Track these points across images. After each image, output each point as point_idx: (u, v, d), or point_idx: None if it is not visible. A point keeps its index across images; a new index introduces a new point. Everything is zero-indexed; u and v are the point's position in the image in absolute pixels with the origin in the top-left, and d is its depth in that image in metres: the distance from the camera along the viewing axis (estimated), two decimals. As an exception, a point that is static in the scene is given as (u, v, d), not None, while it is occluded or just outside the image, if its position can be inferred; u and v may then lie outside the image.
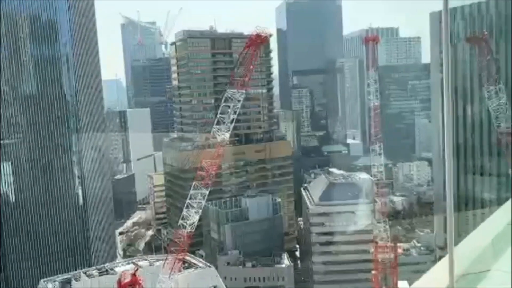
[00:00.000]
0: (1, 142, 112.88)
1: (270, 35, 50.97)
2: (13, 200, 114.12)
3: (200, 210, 46.97)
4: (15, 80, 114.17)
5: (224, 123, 45.16)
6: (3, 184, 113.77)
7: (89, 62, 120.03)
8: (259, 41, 46.43)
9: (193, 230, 46.97)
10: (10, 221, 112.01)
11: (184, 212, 46.27)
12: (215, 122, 44.92)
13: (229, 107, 44.72)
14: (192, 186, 46.16)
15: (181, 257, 50.62)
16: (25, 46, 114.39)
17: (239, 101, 45.17)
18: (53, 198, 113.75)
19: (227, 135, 45.36)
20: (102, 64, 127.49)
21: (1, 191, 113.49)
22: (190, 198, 46.20)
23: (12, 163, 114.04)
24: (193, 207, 45.77)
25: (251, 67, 45.50)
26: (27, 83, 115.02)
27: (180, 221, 47.36)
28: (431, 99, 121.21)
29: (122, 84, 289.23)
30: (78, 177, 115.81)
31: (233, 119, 45.67)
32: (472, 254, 6.62)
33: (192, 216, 46.18)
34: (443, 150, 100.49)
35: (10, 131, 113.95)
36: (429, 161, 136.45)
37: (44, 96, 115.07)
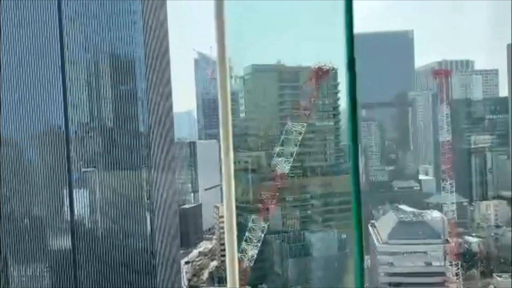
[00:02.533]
0: (82, 169, 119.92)
1: (333, 68, 50.54)
2: (88, 225, 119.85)
3: (259, 244, 46.36)
4: (95, 112, 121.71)
5: (284, 155, 44.77)
6: (80, 210, 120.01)
7: (162, 97, 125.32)
8: (321, 74, 46.13)
9: (251, 264, 46.31)
10: (82, 246, 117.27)
11: (243, 245, 45.89)
12: (275, 155, 44.63)
13: (289, 139, 44.35)
14: (251, 219, 45.83)
15: (239, 290, 49.96)
16: (106, 82, 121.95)
17: (299, 133, 44.73)
18: (124, 225, 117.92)
19: (287, 167, 44.82)
20: (175, 97, 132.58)
21: (78, 217, 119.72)
22: (249, 231, 45.83)
23: (88, 191, 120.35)
24: (252, 240, 45.29)
25: (313, 100, 45.10)
26: (107, 115, 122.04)
27: (239, 254, 46.95)
28: (510, 134, 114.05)
29: (194, 116, 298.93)
30: (148, 205, 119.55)
31: (293, 152, 45.16)
32: None
33: (251, 250, 45.65)
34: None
35: (89, 160, 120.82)
36: (508, 200, 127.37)
37: (120, 128, 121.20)
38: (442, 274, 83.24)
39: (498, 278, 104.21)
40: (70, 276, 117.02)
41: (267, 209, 44.78)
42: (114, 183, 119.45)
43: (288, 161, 45.55)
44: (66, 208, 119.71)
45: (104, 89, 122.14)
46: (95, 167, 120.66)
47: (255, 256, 45.80)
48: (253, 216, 45.94)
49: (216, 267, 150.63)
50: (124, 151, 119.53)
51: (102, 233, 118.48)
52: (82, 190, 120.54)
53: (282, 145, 46.04)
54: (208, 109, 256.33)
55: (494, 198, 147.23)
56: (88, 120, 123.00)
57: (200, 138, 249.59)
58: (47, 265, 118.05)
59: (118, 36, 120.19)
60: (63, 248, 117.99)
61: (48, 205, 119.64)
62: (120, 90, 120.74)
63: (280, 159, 45.38)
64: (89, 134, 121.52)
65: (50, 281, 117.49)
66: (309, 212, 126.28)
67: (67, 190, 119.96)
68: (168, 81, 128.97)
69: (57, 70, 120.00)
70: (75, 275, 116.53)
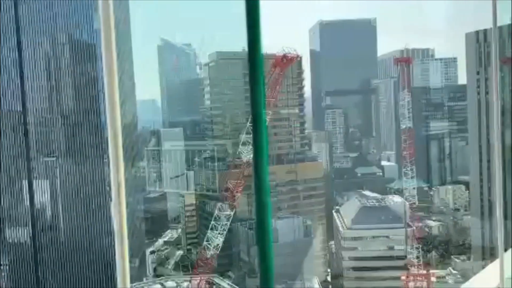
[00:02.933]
0: (42, 159, 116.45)
1: (297, 56, 50.55)
2: (49, 216, 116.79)
3: (225, 232, 46.29)
4: (55, 100, 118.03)
5: (249, 143, 44.62)
6: (40, 201, 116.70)
7: (125, 83, 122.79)
8: (285, 62, 46.03)
9: (217, 252, 46.22)
10: (44, 237, 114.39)
11: (209, 234, 45.72)
12: (241, 143, 44.47)
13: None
14: (217, 207, 45.65)
15: (205, 279, 49.92)
16: (66, 67, 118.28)
17: (265, 121, 44.62)
18: (86, 215, 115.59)
19: (252, 155, 44.70)
20: (139, 84, 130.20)
21: (38, 208, 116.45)
22: (215, 220, 45.65)
23: (48, 180, 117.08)
24: (217, 228, 45.16)
25: (277, 87, 45.04)
26: (67, 103, 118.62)
27: (205, 243, 46.80)
28: (468, 121, 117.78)
29: (158, 104, 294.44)
30: (110, 196, 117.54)
31: (259, 140, 45.05)
32: None
33: (216, 238, 45.53)
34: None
35: (49, 149, 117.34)
36: (466, 185, 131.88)
37: (81, 116, 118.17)
38: (403, 257, 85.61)
39: (456, 260, 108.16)
40: (30, 268, 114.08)
41: (233, 197, 44.70)
42: (76, 172, 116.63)
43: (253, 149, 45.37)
44: (26, 199, 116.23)
45: (64, 75, 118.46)
46: (55, 156, 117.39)
47: (220, 244, 45.69)
48: (218, 204, 45.73)
49: (182, 256, 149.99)
50: (85, 139, 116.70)
51: (63, 224, 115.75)
52: (42, 180, 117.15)
53: (247, 133, 45.82)
54: (172, 96, 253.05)
55: (453, 183, 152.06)
56: (48, 107, 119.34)
57: (164, 126, 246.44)
58: (6, 259, 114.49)
59: (77, 21, 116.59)
60: (23, 241, 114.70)
61: (6, 195, 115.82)
62: (80, 76, 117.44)
63: (245, 147, 45.21)
64: (49, 122, 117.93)
65: (9, 275, 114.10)
66: (275, 199, 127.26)
67: (26, 180, 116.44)
68: (131, 68, 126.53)
69: (13, 55, 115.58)
70: (36, 268, 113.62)
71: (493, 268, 6.44)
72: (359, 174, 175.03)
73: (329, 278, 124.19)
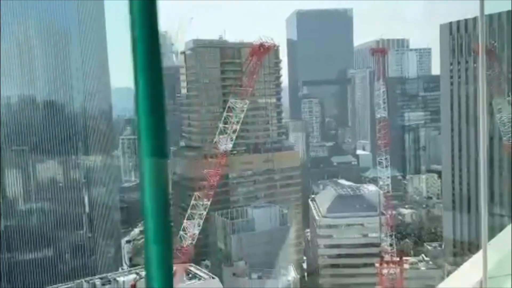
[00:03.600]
0: (13, 147, 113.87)
1: (274, 45, 50.43)
2: (20, 206, 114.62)
3: (201, 221, 46.23)
4: (27, 86, 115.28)
5: (226, 133, 44.55)
6: (11, 191, 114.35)
7: (99, 70, 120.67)
8: (262, 51, 45.89)
9: (193, 242, 46.19)
10: (15, 227, 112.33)
11: (185, 223, 45.60)
12: (217, 132, 44.30)
13: (231, 116, 44.12)
14: (193, 196, 45.52)
15: (181, 268, 49.87)
16: (38, 54, 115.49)
17: (242, 111, 44.60)
18: (59, 204, 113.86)
19: (230, 145, 44.72)
20: (113, 71, 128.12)
21: (9, 197, 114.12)
22: (191, 209, 45.53)
23: (20, 170, 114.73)
24: (194, 218, 45.08)
25: (254, 76, 44.95)
26: (40, 90, 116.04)
27: (181, 232, 46.68)
28: (441, 111, 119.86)
29: (132, 92, 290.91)
30: (84, 183, 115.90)
31: (235, 129, 45.04)
32: (500, 254, 6.66)
33: (193, 228, 45.46)
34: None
35: (21, 138, 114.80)
36: (439, 174, 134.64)
37: (54, 103, 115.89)
38: (377, 245, 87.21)
39: (429, 247, 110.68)
40: (1, 260, 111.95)
41: (210, 186, 44.64)
42: (49, 161, 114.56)
43: (230, 138, 45.34)
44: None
45: (37, 62, 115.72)
46: (27, 145, 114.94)
47: (197, 233, 45.66)
48: (195, 194, 45.61)
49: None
50: (59, 127, 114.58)
51: (36, 213, 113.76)
52: (14, 169, 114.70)
53: (224, 122, 45.68)
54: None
55: (426, 172, 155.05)
56: (19, 94, 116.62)
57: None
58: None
59: (51, 7, 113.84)
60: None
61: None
62: (53, 63, 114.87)
63: (222, 136, 45.09)
64: (21, 109, 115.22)
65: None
66: (251, 188, 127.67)
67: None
68: (105, 54, 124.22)
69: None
70: (7, 260, 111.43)
71: (473, 262, 6.40)
72: (334, 163, 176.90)
73: (304, 266, 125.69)
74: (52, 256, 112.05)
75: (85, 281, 71.04)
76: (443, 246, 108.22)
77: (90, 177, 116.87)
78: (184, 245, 46.95)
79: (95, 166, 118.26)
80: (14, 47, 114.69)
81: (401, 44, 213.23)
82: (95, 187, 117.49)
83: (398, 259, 69.17)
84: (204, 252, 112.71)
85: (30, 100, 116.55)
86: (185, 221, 46.40)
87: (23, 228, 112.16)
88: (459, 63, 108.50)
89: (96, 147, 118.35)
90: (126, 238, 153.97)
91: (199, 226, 45.99)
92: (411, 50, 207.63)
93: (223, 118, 45.89)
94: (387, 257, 69.23)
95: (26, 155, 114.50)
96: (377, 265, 73.28)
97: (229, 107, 45.75)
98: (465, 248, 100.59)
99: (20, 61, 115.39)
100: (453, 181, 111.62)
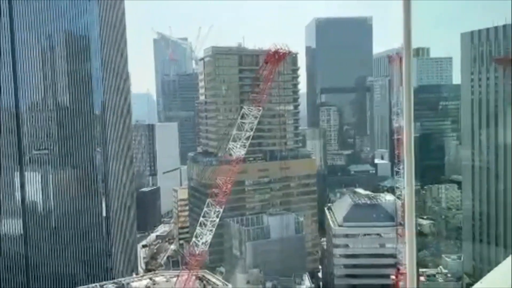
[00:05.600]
0: (33, 152, 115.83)
1: (290, 52, 50.19)
2: (40, 209, 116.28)
3: (214, 229, 46.07)
4: (49, 93, 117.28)
5: (240, 139, 44.41)
6: (32, 193, 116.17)
7: (119, 76, 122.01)
8: (276, 58, 45.68)
9: (206, 248, 46.05)
10: (35, 229, 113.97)
11: (197, 230, 45.51)
12: (231, 139, 44.18)
13: (245, 123, 43.97)
14: (206, 203, 45.40)
15: (193, 274, 49.77)
16: (60, 60, 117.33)
17: (255, 117, 44.42)
18: (78, 208, 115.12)
19: (243, 151, 44.54)
20: (134, 78, 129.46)
21: (29, 200, 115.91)
22: (203, 216, 45.42)
23: (40, 173, 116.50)
24: (206, 225, 44.95)
25: (269, 83, 44.75)
26: (60, 96, 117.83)
27: (193, 239, 46.60)
28: (461, 121, 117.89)
29: (153, 98, 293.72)
30: (103, 188, 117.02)
31: (249, 136, 44.86)
32: None
33: (205, 235, 45.33)
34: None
35: (41, 142, 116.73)
36: (459, 184, 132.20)
37: (74, 109, 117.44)
38: (394, 255, 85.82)
39: (447, 259, 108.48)
40: (21, 261, 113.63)
41: (223, 193, 44.50)
42: (68, 165, 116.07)
43: (243, 145, 45.15)
44: (17, 191, 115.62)
45: (58, 68, 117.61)
46: (47, 149, 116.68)
47: (209, 240, 45.53)
48: (208, 200, 45.49)
49: (174, 250, 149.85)
50: (78, 132, 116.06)
51: (55, 217, 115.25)
52: (34, 173, 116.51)
53: (238, 129, 45.54)
54: (168, 90, 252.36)
55: (445, 182, 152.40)
56: (41, 100, 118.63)
57: (159, 121, 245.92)
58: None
59: (72, 14, 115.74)
60: (14, 233, 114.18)
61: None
62: (74, 69, 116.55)
63: (235, 143, 44.94)
64: (42, 115, 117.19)
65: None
66: (267, 196, 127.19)
67: (18, 173, 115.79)
68: (125, 61, 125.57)
69: (6, 49, 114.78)
70: (26, 261, 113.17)
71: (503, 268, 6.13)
72: (352, 172, 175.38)
73: (320, 275, 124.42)
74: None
75: (100, 286, 71.46)
76: (462, 258, 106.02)
77: (108, 180, 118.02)
78: (197, 252, 46.82)
79: (114, 169, 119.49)
80: (35, 53, 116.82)
81: (421, 52, 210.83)
82: (112, 191, 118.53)
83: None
84: (219, 259, 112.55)
85: (52, 105, 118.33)
86: (197, 227, 46.30)
87: (42, 234, 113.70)
88: (480, 72, 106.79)
89: (115, 151, 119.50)
90: (143, 243, 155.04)
91: (211, 233, 45.82)
92: (431, 58, 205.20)
93: (236, 125, 45.78)
94: (402, 269, 67.93)
95: (46, 158, 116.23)
96: (392, 276, 71.97)
97: (242, 114, 45.62)
98: (485, 261, 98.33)
99: (42, 68, 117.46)
100: (473, 192, 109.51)
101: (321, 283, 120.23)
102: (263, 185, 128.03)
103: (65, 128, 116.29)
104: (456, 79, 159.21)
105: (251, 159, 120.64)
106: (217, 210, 45.33)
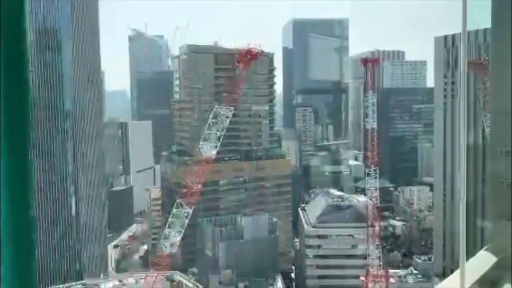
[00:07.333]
0: None
1: (262, 52, 49.64)
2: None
3: (183, 230, 45.16)
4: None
5: (210, 139, 43.66)
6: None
7: (91, 72, 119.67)
8: (249, 58, 45.09)
9: (174, 250, 45.10)
10: None
11: (166, 231, 44.54)
12: (202, 139, 43.37)
13: (216, 123, 43.25)
14: (175, 204, 44.48)
15: (162, 275, 48.79)
16: (30, 55, 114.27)
17: (227, 117, 43.73)
18: (46, 207, 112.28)
19: (214, 151, 43.78)
20: (110, 75, 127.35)
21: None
22: (172, 217, 44.48)
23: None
24: (175, 225, 44.03)
25: (241, 83, 44.12)
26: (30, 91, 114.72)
27: (162, 240, 45.61)
28: (434, 123, 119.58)
29: (128, 96, 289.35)
30: (72, 186, 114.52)
31: (220, 136, 44.12)
32: (482, 269, 6.37)
33: (173, 236, 44.39)
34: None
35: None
36: (431, 186, 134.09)
37: (44, 103, 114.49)
38: (365, 256, 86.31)
39: (418, 260, 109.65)
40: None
41: (192, 193, 43.67)
42: (35, 163, 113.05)
43: (214, 145, 44.40)
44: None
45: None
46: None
47: (178, 242, 44.60)
48: (177, 201, 44.56)
49: (146, 251, 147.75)
50: (47, 129, 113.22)
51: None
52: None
53: (209, 129, 44.78)
54: (143, 88, 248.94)
55: (418, 184, 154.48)
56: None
57: (133, 119, 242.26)
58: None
59: (43, 8, 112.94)
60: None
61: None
62: (44, 64, 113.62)
63: (206, 142, 44.17)
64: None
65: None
66: (241, 196, 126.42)
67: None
68: (98, 57, 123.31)
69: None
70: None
71: (453, 279, 6.01)
72: (326, 173, 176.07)
73: (293, 275, 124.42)
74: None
75: (67, 287, 69.64)
76: (432, 259, 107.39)
77: (78, 179, 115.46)
78: (165, 253, 45.84)
79: (84, 168, 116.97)
80: None
81: (396, 56, 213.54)
82: (82, 190, 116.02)
83: (384, 272, 68.15)
84: (191, 260, 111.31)
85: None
86: (166, 229, 45.31)
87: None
88: (453, 75, 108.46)
89: (85, 149, 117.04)
90: (114, 243, 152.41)
91: (180, 234, 44.88)
92: (406, 62, 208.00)
93: (207, 125, 44.98)
94: (372, 270, 68.24)
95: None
96: (362, 278, 72.20)
97: (214, 113, 44.86)
98: (455, 262, 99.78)
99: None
100: (444, 194, 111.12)
101: (294, 284, 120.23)
102: (237, 185, 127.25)
103: (33, 124, 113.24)
104: (431, 82, 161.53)
105: (226, 159, 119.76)
106: (186, 211, 44.43)
